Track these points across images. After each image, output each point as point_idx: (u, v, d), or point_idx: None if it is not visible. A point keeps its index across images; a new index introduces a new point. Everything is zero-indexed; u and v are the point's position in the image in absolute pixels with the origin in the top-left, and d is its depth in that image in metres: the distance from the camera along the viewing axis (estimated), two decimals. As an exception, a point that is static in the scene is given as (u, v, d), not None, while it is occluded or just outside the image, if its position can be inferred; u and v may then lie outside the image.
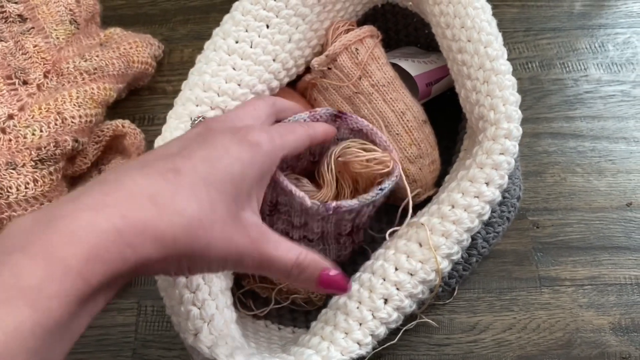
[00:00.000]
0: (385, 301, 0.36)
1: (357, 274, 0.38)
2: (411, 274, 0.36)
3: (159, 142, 0.41)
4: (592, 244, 0.51)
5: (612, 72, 0.61)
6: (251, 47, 0.43)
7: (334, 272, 0.31)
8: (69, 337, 0.24)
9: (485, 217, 0.38)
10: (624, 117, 0.58)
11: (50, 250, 0.23)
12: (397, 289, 0.36)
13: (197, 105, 0.41)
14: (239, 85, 0.42)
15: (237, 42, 0.43)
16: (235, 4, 0.44)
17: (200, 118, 0.41)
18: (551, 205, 0.53)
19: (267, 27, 0.44)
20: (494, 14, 0.66)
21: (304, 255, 0.30)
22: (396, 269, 0.36)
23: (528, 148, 0.56)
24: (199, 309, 0.35)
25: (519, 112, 0.39)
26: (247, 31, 0.43)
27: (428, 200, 0.43)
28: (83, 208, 0.24)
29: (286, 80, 0.47)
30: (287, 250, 0.30)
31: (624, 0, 0.66)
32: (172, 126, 0.41)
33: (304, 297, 0.46)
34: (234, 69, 0.43)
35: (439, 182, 0.46)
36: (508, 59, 0.62)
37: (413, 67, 0.50)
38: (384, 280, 0.36)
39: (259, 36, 0.43)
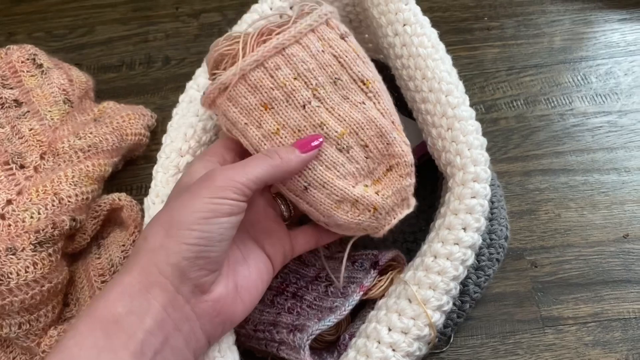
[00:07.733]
0: (383, 364, 0.36)
1: (353, 340, 0.38)
2: (405, 333, 0.37)
3: (148, 202, 0.43)
4: (592, 280, 0.51)
5: (597, 104, 0.62)
6: None
7: None
8: None
9: (469, 263, 0.38)
10: (613, 148, 0.59)
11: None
12: (393, 350, 0.36)
13: (182, 156, 0.44)
14: None
15: None
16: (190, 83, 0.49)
17: None
18: (547, 243, 0.53)
19: None
20: (476, 56, 0.68)
21: None
22: (389, 330, 0.37)
23: (520, 187, 0.57)
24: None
25: (486, 154, 0.40)
26: None
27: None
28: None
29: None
30: None
31: (603, 31, 0.67)
32: (162, 181, 0.43)
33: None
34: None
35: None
36: (493, 99, 0.64)
37: None
38: (379, 343, 0.36)
39: None
